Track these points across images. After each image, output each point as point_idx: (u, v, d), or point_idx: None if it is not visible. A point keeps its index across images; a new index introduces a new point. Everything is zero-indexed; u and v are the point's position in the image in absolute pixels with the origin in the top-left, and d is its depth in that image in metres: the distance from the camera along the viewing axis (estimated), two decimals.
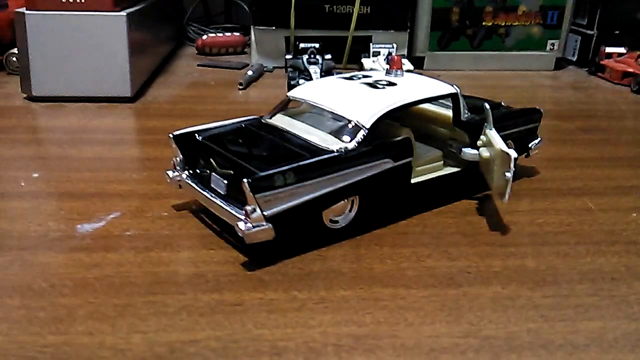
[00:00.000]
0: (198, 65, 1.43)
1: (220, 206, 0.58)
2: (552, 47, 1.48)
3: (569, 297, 0.52)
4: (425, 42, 1.45)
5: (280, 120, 0.67)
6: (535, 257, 0.58)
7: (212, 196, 0.60)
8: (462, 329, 0.47)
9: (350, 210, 0.61)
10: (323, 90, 0.67)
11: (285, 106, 0.70)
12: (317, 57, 1.30)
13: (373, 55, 1.38)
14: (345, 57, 1.43)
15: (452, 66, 1.47)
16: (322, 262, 0.56)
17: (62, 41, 1.05)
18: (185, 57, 1.53)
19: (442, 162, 0.70)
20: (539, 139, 0.79)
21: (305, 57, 1.29)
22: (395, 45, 1.39)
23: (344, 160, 0.58)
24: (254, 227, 0.53)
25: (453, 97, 0.68)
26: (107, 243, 0.58)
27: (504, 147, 0.62)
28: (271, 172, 0.53)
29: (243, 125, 0.67)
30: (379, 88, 0.65)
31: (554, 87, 1.35)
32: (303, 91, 0.68)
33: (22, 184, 0.72)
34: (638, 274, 0.56)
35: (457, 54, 1.47)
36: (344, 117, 0.61)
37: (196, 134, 0.65)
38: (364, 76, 0.70)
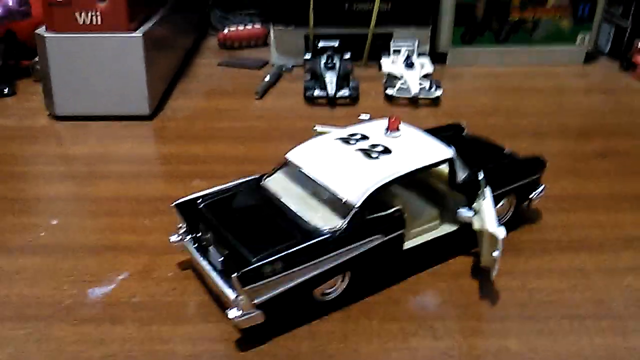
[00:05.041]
0: (218, 64, 1.44)
1: (216, 282, 0.61)
2: (582, 41, 1.42)
3: None
4: (448, 37, 1.42)
5: (278, 184, 0.69)
6: (518, 337, 0.60)
7: (209, 268, 0.63)
8: None
9: (341, 282, 0.64)
10: (318, 157, 0.68)
11: (284, 165, 0.71)
12: (335, 59, 1.28)
13: (394, 53, 1.36)
14: (365, 55, 1.42)
15: (476, 61, 1.43)
16: (311, 340, 0.60)
17: (82, 62, 1.07)
18: (207, 53, 1.54)
19: (439, 220, 0.71)
20: (542, 187, 0.78)
21: (322, 60, 1.28)
22: (416, 43, 1.36)
23: (334, 241, 0.60)
24: (243, 315, 0.57)
25: (449, 162, 0.68)
26: (113, 313, 0.63)
27: (492, 228, 0.62)
28: (259, 264, 0.56)
29: (242, 190, 0.70)
30: (372, 158, 0.66)
31: (580, 91, 1.30)
32: (300, 156, 0.69)
33: (42, 233, 0.77)
34: None
35: (482, 49, 1.42)
36: (336, 194, 0.63)
37: (198, 201, 0.68)
38: (362, 137, 0.71)
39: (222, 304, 0.63)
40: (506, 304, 0.65)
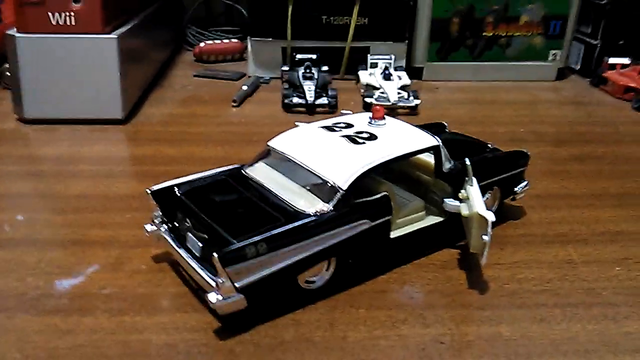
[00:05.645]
0: (194, 75, 1.42)
1: (194, 269, 0.58)
2: (554, 58, 1.45)
3: None
4: (424, 52, 1.43)
5: (260, 172, 0.67)
6: (510, 324, 0.58)
7: (187, 256, 0.60)
8: None
9: (327, 270, 0.61)
10: (302, 143, 0.67)
11: (266, 155, 0.69)
12: (313, 70, 1.28)
13: (371, 67, 1.36)
14: (343, 68, 1.42)
15: (452, 77, 1.45)
16: (296, 328, 0.56)
17: (54, 64, 1.04)
18: (182, 66, 1.52)
19: (424, 212, 0.69)
20: (526, 182, 0.77)
21: (301, 71, 1.27)
22: (393, 57, 1.37)
23: (320, 224, 0.58)
24: (224, 299, 0.53)
25: (434, 149, 0.67)
26: (82, 304, 0.59)
27: (482, 210, 0.61)
28: (241, 244, 0.53)
29: (223, 177, 0.67)
30: (358, 143, 0.64)
31: (553, 103, 1.32)
32: (283, 143, 0.67)
33: (7, 228, 0.73)
34: (611, 346, 0.55)
35: (457, 65, 1.44)
36: (322, 177, 0.61)
37: (175, 188, 0.65)
38: (346, 125, 0.69)
39: (201, 296, 0.60)
40: (496, 293, 0.63)
